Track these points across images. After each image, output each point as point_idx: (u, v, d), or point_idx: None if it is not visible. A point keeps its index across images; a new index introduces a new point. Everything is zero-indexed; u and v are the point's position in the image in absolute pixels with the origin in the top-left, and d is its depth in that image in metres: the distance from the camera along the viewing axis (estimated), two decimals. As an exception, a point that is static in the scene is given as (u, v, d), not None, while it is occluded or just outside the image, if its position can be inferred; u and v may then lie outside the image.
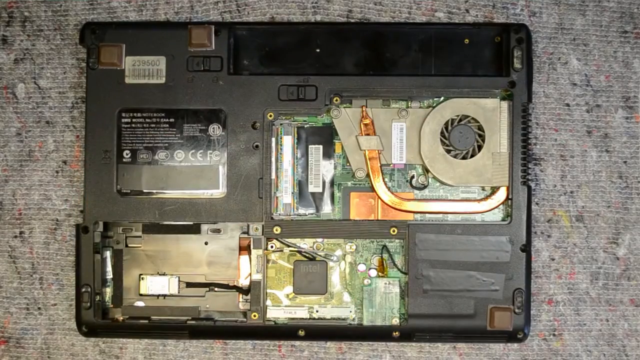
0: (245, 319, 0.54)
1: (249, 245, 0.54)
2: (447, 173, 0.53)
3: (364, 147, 0.54)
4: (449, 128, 0.53)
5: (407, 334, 0.54)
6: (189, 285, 0.55)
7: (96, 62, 0.54)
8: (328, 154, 0.55)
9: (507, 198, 0.53)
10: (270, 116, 0.54)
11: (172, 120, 0.54)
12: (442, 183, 0.54)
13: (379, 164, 0.54)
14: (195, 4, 0.57)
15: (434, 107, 0.54)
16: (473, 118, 0.53)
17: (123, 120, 0.54)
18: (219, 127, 0.54)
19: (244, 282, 0.55)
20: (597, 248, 0.56)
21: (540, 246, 0.56)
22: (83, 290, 0.53)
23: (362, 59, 0.55)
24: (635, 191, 0.56)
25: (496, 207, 0.54)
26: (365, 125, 0.54)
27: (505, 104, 0.53)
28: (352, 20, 0.57)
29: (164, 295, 0.55)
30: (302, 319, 0.54)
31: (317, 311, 0.54)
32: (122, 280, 0.55)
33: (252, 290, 0.54)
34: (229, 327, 0.54)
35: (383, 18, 0.57)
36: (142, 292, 0.55)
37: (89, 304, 0.53)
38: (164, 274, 0.55)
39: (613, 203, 0.56)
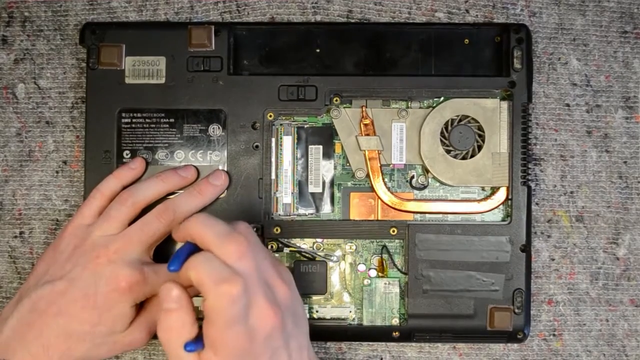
0: (245, 319, 0.54)
1: (249, 246, 0.54)
2: (447, 173, 0.53)
3: (364, 148, 0.54)
4: (449, 128, 0.54)
5: (407, 334, 0.54)
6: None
7: (96, 62, 0.54)
8: (328, 154, 0.55)
9: (507, 198, 0.53)
10: (270, 116, 0.54)
11: (172, 120, 0.54)
12: (442, 183, 0.54)
13: (379, 164, 0.54)
14: (195, 4, 0.57)
15: (433, 107, 0.54)
16: (473, 118, 0.54)
17: (123, 120, 0.54)
18: (219, 127, 0.54)
19: (244, 282, 0.55)
20: (597, 248, 0.56)
21: (540, 246, 0.56)
22: (83, 290, 0.53)
23: (362, 59, 0.55)
24: (635, 191, 0.56)
25: (496, 207, 0.54)
26: (365, 125, 0.54)
27: (505, 104, 0.53)
28: (352, 21, 0.57)
29: (164, 295, 0.55)
30: (302, 319, 0.54)
31: (317, 311, 0.54)
32: (122, 280, 0.55)
33: (252, 291, 0.54)
34: (229, 327, 0.54)
35: (383, 18, 0.57)
36: (142, 292, 0.55)
37: (89, 304, 0.53)
38: (164, 274, 0.55)
39: (613, 203, 0.56)
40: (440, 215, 0.54)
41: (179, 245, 0.53)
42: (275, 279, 0.43)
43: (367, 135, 0.54)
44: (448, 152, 0.54)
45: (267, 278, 0.43)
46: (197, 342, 0.41)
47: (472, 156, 0.54)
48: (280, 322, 0.42)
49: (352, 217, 0.54)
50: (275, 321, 0.42)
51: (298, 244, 0.54)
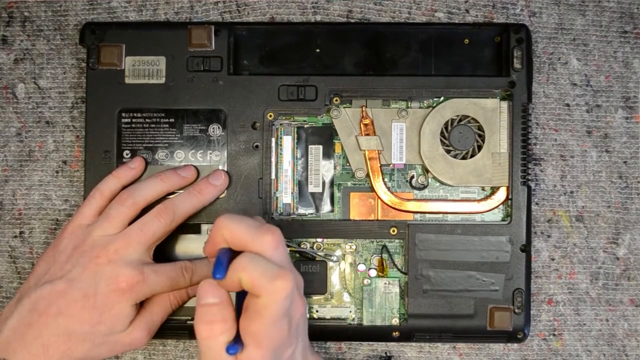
0: (245, 319, 0.54)
1: (248, 245, 0.54)
2: (447, 173, 0.53)
3: (364, 147, 0.54)
4: (449, 128, 0.54)
5: (406, 334, 0.54)
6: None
7: (96, 62, 0.54)
8: (328, 154, 0.55)
9: (507, 198, 0.53)
10: (270, 116, 0.54)
11: (172, 120, 0.54)
12: (442, 183, 0.54)
13: (379, 164, 0.54)
14: (195, 4, 0.57)
15: (433, 107, 0.54)
16: (473, 118, 0.54)
17: (123, 120, 0.54)
18: (219, 127, 0.54)
19: (244, 282, 0.55)
20: (597, 248, 0.56)
21: (540, 246, 0.56)
22: (83, 290, 0.53)
23: (362, 59, 0.55)
24: (635, 191, 0.56)
25: (496, 207, 0.54)
26: (365, 125, 0.54)
27: (505, 104, 0.53)
28: (352, 21, 0.57)
29: (164, 295, 0.55)
30: (302, 319, 0.54)
31: (317, 311, 0.54)
32: (122, 280, 0.55)
33: (252, 290, 0.54)
34: (229, 327, 0.54)
35: (383, 18, 0.57)
36: (142, 292, 0.55)
37: (89, 304, 0.53)
38: (164, 274, 0.55)
39: (613, 203, 0.56)
40: (440, 215, 0.54)
41: (181, 246, 0.54)
42: (292, 267, 0.44)
43: (367, 135, 0.54)
44: (448, 152, 0.54)
45: (291, 267, 0.44)
46: (236, 343, 0.41)
47: (472, 156, 0.54)
48: (305, 310, 0.44)
49: (352, 217, 0.54)
50: (304, 310, 0.43)
51: (298, 244, 0.54)
